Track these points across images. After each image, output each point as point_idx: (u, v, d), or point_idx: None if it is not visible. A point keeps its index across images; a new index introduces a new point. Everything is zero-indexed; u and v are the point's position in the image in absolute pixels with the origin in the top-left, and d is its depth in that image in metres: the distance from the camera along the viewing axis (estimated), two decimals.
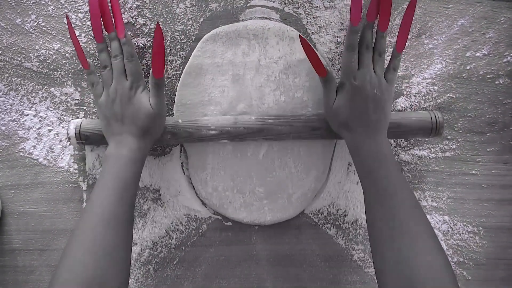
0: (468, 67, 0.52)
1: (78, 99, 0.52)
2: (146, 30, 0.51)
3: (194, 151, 0.51)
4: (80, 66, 0.52)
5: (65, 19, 0.51)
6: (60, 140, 0.53)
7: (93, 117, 0.53)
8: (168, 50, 0.51)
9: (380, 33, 0.45)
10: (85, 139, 0.48)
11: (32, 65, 0.52)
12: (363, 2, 0.46)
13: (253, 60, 0.50)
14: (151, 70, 0.45)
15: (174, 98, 0.51)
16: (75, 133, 0.48)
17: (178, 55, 0.51)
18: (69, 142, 0.49)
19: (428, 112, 0.48)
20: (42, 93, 0.52)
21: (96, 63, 0.52)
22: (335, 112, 0.45)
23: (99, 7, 0.46)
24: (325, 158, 0.52)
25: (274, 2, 0.51)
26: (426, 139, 0.53)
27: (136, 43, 0.51)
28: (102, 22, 0.46)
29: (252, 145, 0.51)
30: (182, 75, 0.51)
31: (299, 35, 0.44)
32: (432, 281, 0.35)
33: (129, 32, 0.51)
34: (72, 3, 0.50)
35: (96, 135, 0.48)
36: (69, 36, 0.51)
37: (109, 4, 0.47)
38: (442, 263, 0.36)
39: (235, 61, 0.50)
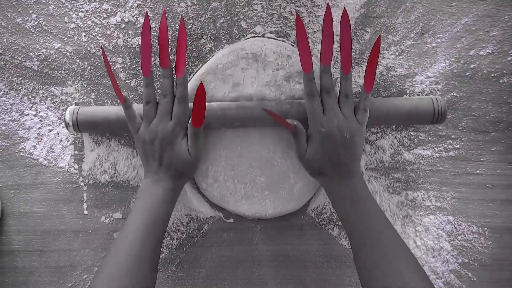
0: (472, 66, 0.51)
1: (78, 99, 0.52)
2: None
3: None
4: (82, 65, 0.51)
5: (100, 49, 0.49)
6: (61, 140, 0.53)
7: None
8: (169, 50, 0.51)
9: (344, 75, 0.44)
10: (82, 127, 0.48)
11: (33, 64, 0.51)
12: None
13: (253, 71, 0.49)
14: (190, 119, 0.44)
15: None
16: (72, 120, 0.48)
17: None
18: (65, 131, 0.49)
19: (430, 98, 0.47)
20: (43, 93, 0.52)
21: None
22: (308, 161, 0.45)
23: (160, 38, 0.44)
24: None
25: (275, 0, 0.50)
26: (427, 126, 0.52)
27: (137, 42, 0.51)
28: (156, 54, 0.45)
29: (254, 135, 0.50)
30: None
31: (262, 107, 0.44)
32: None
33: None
34: (73, 2, 0.50)
35: (92, 123, 0.48)
36: (69, 35, 0.51)
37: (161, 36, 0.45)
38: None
39: (235, 74, 0.49)
